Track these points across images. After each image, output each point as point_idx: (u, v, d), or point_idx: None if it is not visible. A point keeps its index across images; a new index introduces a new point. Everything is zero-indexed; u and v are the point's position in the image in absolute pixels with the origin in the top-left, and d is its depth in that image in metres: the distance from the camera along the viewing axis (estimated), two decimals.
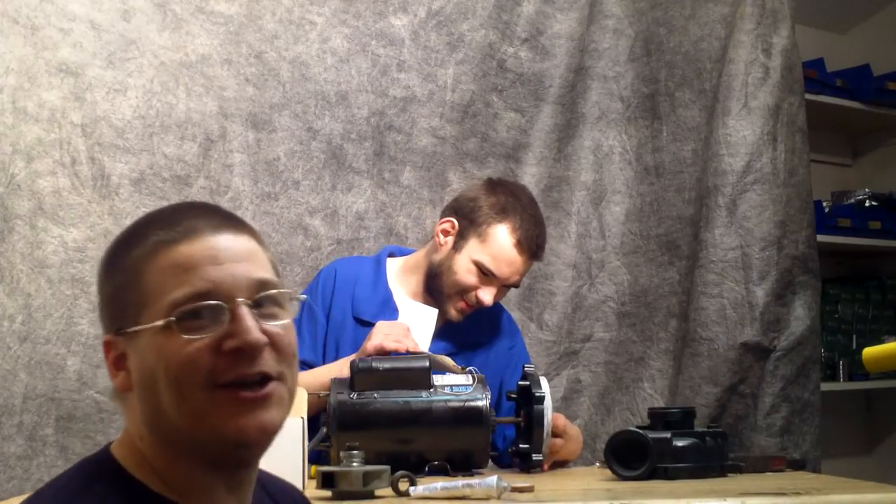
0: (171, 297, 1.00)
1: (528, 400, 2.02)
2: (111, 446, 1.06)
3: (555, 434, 2.06)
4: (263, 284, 1.04)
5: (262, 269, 1.05)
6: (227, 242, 1.04)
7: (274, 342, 1.03)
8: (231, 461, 1.03)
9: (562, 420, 2.12)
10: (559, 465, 2.14)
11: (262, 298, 1.03)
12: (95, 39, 2.34)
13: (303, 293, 2.21)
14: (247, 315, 1.01)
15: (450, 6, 2.77)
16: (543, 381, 2.03)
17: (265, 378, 1.01)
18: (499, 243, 2.24)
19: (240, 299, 1.01)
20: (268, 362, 1.01)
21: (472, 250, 2.25)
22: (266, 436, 1.02)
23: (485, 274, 2.25)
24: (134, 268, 1.03)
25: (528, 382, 2.03)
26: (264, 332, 1.02)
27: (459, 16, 2.78)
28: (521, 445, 2.03)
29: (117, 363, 1.04)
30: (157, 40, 2.41)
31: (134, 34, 2.39)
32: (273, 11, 2.56)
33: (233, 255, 1.03)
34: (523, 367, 2.12)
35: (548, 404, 2.00)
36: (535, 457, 1.99)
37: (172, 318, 0.99)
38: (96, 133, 2.32)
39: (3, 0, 2.24)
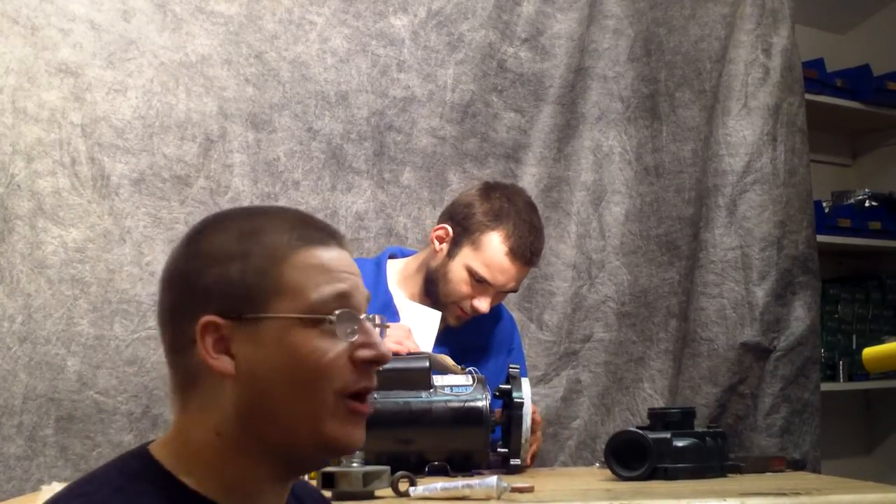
0: (316, 294, 1.01)
1: (509, 403, 2.02)
2: (150, 446, 1.05)
3: (533, 429, 2.05)
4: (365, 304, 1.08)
5: None
6: (349, 258, 1.07)
7: None
8: (311, 464, 1.07)
9: (537, 414, 2.11)
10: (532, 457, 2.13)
11: (371, 317, 1.07)
12: (95, 39, 2.34)
13: None
14: (373, 329, 1.05)
15: (450, 6, 2.76)
16: (525, 384, 2.02)
17: (367, 393, 1.04)
18: (491, 251, 2.22)
19: (363, 315, 1.05)
20: (374, 379, 1.05)
21: (466, 258, 2.24)
22: (359, 447, 1.05)
23: (479, 281, 2.23)
24: (267, 256, 1.02)
25: (509, 386, 2.02)
26: None
27: (459, 16, 2.77)
28: (499, 449, 2.01)
29: (217, 346, 1.01)
30: (157, 40, 2.41)
31: (134, 34, 2.39)
32: (273, 11, 2.56)
33: (356, 270, 1.07)
34: (508, 367, 2.11)
35: (527, 409, 1.99)
36: (513, 461, 1.99)
37: (332, 317, 1.01)
38: (96, 133, 2.32)
39: (3, 0, 2.24)
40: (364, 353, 1.02)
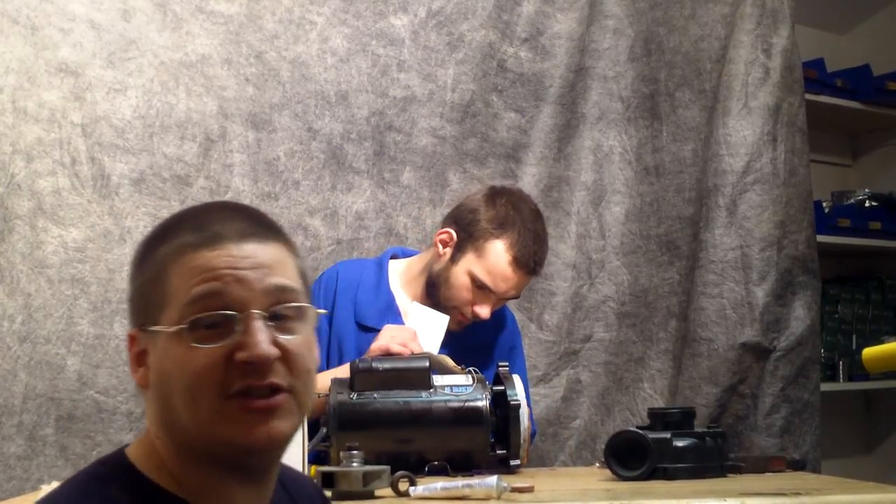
0: (187, 302, 0.99)
1: (503, 404, 1.99)
2: (127, 448, 1.05)
3: None
4: (282, 296, 1.02)
5: (284, 280, 1.03)
6: (250, 251, 1.02)
7: (287, 356, 1.01)
8: (242, 467, 1.02)
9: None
10: None
11: (280, 310, 1.02)
12: (95, 39, 2.34)
13: None
14: (259, 327, 0.99)
15: (450, 6, 2.76)
16: (518, 383, 2.01)
17: (275, 389, 1.00)
18: (495, 259, 2.21)
19: (254, 311, 1.00)
20: (279, 374, 1.00)
21: (469, 264, 2.23)
22: (274, 444, 1.01)
23: (480, 288, 2.22)
24: (159, 267, 1.02)
25: (502, 387, 2.01)
26: (277, 344, 1.00)
27: (459, 16, 2.78)
28: (498, 451, 1.99)
29: (139, 358, 1.04)
30: (157, 40, 2.41)
31: (134, 34, 2.39)
32: (273, 11, 2.56)
33: (254, 264, 1.01)
34: (497, 366, 2.10)
35: (523, 410, 1.97)
36: (513, 462, 1.98)
37: (184, 326, 0.99)
38: (96, 133, 2.32)
39: (3, 0, 2.24)
40: (238, 355, 0.98)
